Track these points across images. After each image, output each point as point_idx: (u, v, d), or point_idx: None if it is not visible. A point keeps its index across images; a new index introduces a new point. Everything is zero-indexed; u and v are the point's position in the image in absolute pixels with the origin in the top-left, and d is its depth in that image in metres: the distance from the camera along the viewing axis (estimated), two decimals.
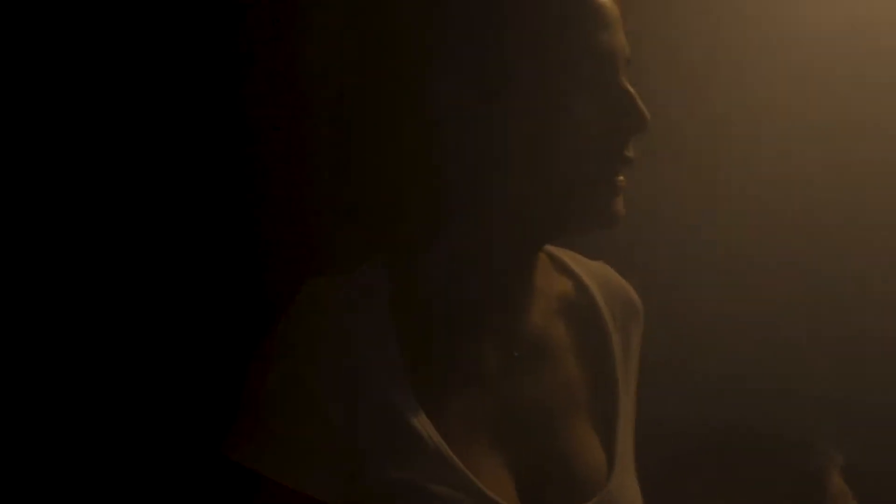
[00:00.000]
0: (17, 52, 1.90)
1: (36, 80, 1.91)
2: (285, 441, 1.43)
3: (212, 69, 2.03)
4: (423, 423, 1.43)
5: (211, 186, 2.04)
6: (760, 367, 2.32)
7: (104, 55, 1.95)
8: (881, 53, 2.34)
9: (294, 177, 2.07)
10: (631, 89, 1.45)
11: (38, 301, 1.93)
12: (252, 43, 2.06)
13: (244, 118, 2.07)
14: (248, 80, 2.06)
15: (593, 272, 1.61)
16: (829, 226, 2.40)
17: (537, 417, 1.50)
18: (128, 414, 1.96)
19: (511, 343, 1.51)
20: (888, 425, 2.33)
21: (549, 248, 1.58)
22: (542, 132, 1.43)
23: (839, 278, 2.40)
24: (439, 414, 1.45)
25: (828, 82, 2.35)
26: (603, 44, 1.44)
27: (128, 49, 1.97)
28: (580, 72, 1.43)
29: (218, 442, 1.50)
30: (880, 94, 2.36)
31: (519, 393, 1.50)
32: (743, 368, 2.31)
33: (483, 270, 1.50)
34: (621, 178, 1.46)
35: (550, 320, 1.55)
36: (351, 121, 1.51)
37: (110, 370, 1.95)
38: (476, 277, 1.49)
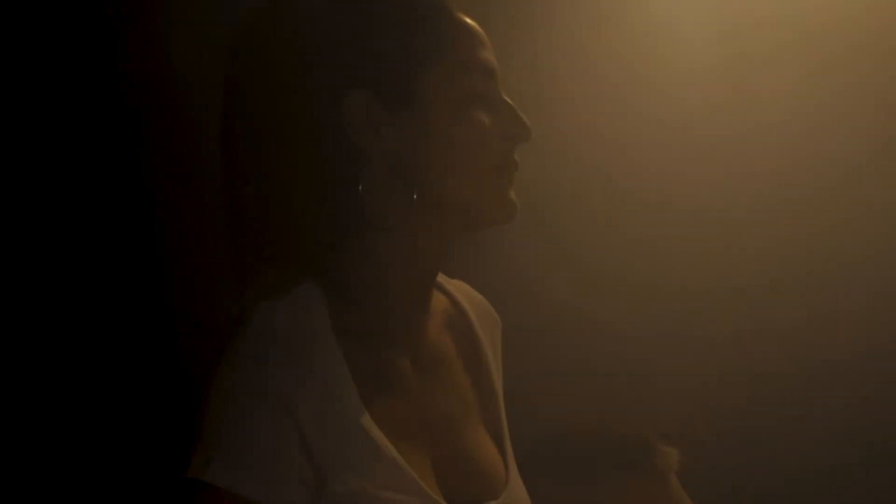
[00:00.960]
0: None
1: None
2: (259, 461, 1.49)
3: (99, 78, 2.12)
4: (376, 434, 1.53)
5: (103, 195, 2.11)
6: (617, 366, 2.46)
7: None
8: (751, 57, 2.48)
9: (187, 191, 2.15)
10: (510, 103, 1.59)
11: None
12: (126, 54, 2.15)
13: (135, 130, 2.14)
14: (131, 88, 2.14)
15: (460, 290, 1.72)
16: (708, 226, 2.54)
17: (446, 423, 1.61)
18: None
19: (418, 356, 1.61)
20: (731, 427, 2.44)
21: None
22: (448, 141, 1.55)
23: (711, 278, 2.51)
24: (381, 423, 1.54)
25: (703, 87, 2.50)
26: (486, 60, 1.58)
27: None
28: (473, 85, 1.56)
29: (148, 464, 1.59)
30: (753, 98, 2.49)
31: (430, 401, 1.61)
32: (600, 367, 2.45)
33: (400, 288, 1.58)
34: (511, 175, 1.59)
35: (440, 335, 1.66)
36: (253, 138, 1.58)
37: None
38: (395, 296, 1.58)
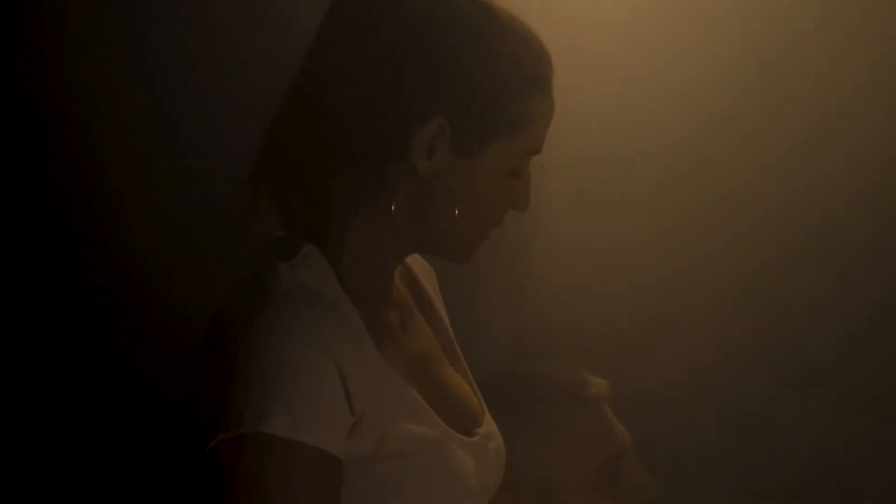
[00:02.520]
0: None
1: None
2: (314, 407, 1.53)
3: None
4: (395, 376, 1.63)
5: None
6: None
7: None
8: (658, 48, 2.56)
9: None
10: (530, 176, 1.69)
11: None
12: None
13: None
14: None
15: None
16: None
17: (425, 362, 1.74)
18: None
19: (396, 308, 1.73)
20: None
21: None
22: (474, 194, 1.64)
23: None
24: (391, 366, 1.64)
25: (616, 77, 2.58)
26: (542, 141, 1.68)
27: None
28: (524, 161, 1.67)
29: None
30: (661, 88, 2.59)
31: (412, 346, 1.73)
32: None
33: (387, 257, 1.69)
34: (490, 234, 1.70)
35: (401, 288, 1.79)
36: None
37: None
38: (382, 262, 1.68)
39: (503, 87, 1.62)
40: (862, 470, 2.63)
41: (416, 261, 1.85)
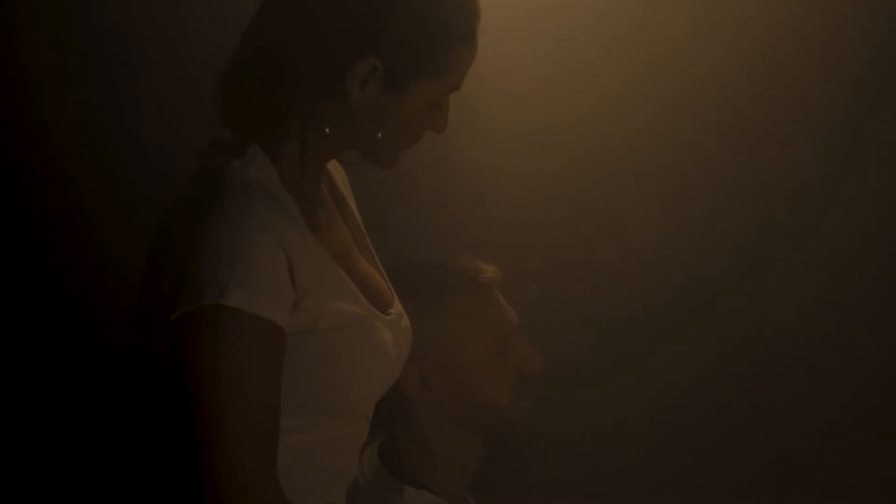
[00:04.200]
0: None
1: None
2: (266, 284, 1.69)
3: None
4: (328, 259, 1.80)
5: None
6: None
7: None
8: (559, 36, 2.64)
9: None
10: (449, 106, 1.88)
11: None
12: None
13: None
14: None
15: None
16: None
17: (347, 251, 1.91)
18: None
19: (322, 206, 1.91)
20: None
21: None
22: (396, 123, 1.82)
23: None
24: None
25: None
26: (461, 81, 1.85)
27: None
28: (440, 97, 1.84)
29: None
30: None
31: (334, 236, 1.90)
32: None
33: (315, 160, 1.85)
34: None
35: (323, 189, 1.95)
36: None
37: None
38: (311, 164, 1.84)
39: (433, 36, 1.79)
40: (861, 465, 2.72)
41: (334, 165, 2.02)
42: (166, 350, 1.74)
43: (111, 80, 2.53)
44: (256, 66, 1.80)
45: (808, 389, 2.74)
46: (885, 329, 2.72)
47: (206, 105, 1.83)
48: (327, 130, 1.82)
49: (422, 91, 1.82)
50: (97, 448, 2.45)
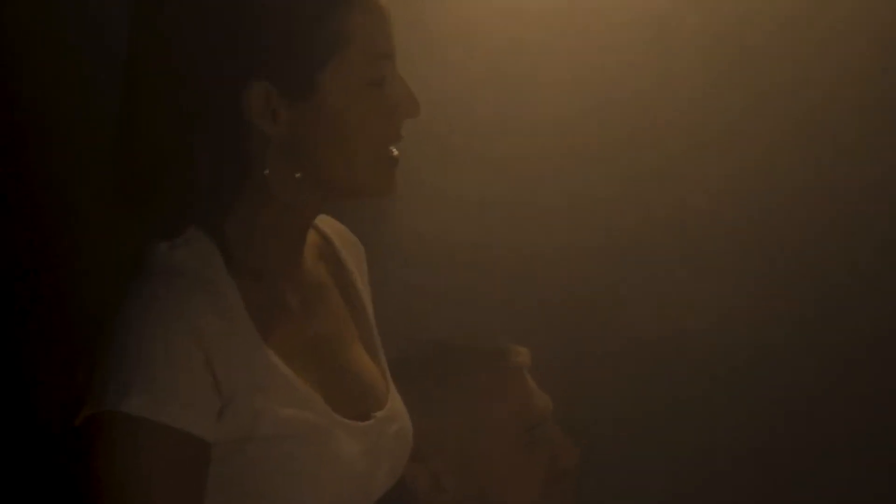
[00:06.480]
0: None
1: None
2: (175, 388, 1.53)
3: None
4: (271, 357, 1.61)
5: None
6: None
7: None
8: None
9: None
10: (405, 81, 1.64)
11: None
12: None
13: None
14: None
15: (326, 223, 1.82)
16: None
17: (329, 344, 1.72)
18: None
19: (299, 287, 1.71)
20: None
21: None
22: (340, 126, 1.61)
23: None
24: (273, 348, 1.62)
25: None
26: (384, 46, 1.63)
27: None
28: (371, 72, 1.61)
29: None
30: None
31: (314, 325, 1.71)
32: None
33: (281, 233, 1.66)
34: (396, 152, 1.65)
35: (315, 266, 1.76)
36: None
37: None
38: (275, 239, 1.65)
39: (298, 20, 1.59)
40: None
41: (342, 237, 1.83)
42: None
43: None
44: (141, 140, 1.62)
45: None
46: None
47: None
48: (266, 172, 1.60)
49: (334, 79, 1.60)
50: None
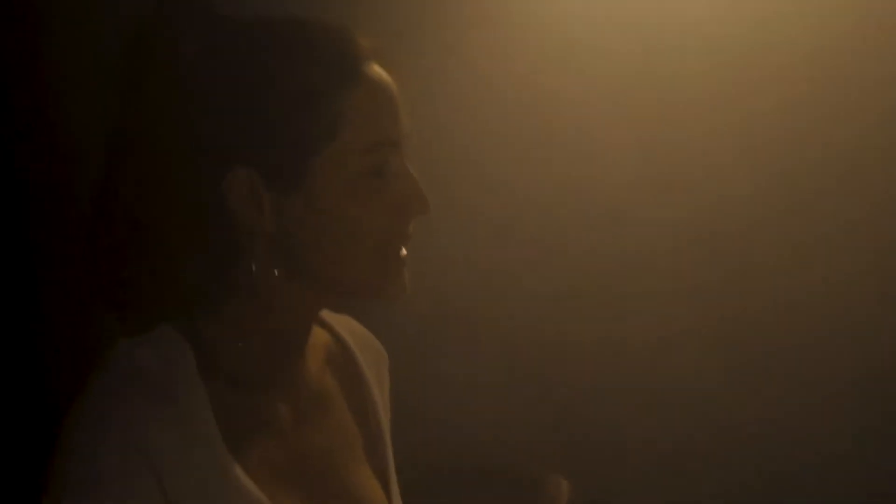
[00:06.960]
0: None
1: None
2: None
3: None
4: (241, 479, 1.45)
5: None
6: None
7: None
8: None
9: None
10: (413, 174, 1.49)
11: None
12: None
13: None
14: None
15: (343, 324, 1.67)
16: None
17: (325, 461, 1.56)
18: None
19: (294, 396, 1.55)
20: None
21: None
22: (334, 222, 1.46)
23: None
24: (248, 464, 1.47)
25: None
26: (386, 132, 1.47)
27: None
28: (369, 162, 1.46)
29: None
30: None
31: (308, 440, 1.55)
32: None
33: (270, 334, 1.51)
34: (404, 252, 1.50)
35: (321, 371, 1.60)
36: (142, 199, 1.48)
37: None
38: (263, 340, 1.51)
39: (281, 105, 1.44)
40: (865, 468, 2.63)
41: (362, 341, 1.68)
42: None
43: None
44: (119, 221, 1.47)
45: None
46: None
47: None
48: (253, 267, 1.47)
49: (327, 167, 1.45)
50: None
